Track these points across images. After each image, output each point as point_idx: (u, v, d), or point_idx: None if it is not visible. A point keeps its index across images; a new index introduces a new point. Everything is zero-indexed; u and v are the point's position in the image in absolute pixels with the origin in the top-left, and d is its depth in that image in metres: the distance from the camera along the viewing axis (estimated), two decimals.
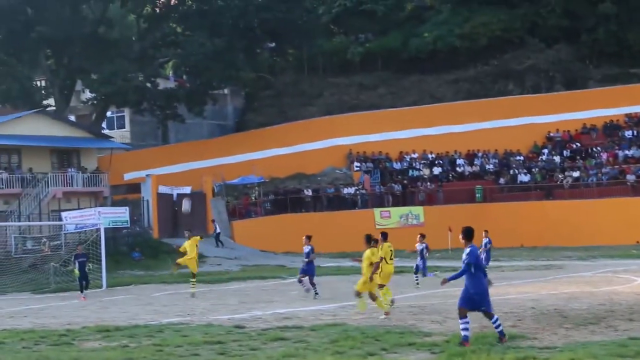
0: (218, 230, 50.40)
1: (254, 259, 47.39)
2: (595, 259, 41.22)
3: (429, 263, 32.37)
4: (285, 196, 56.22)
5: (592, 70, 68.56)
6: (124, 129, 64.92)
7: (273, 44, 69.92)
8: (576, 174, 56.88)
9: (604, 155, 58.60)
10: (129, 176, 56.69)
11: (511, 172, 59.25)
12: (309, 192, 57.01)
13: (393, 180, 59.59)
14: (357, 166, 61.35)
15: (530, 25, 70.05)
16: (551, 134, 63.31)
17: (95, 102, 58.32)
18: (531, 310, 19.75)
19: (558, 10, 68.42)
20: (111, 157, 53.08)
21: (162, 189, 50.51)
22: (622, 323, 17.06)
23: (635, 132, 60.42)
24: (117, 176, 54.21)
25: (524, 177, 58.42)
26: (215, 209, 52.90)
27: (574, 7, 68.18)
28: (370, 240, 21.01)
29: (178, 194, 50.86)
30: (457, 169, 61.19)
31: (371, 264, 20.39)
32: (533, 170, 58.84)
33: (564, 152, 60.96)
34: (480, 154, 62.25)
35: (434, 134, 63.05)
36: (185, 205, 48.66)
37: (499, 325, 14.50)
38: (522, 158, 61.44)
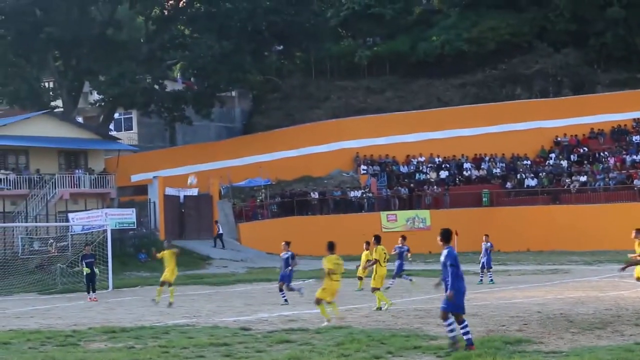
0: (220, 231, 50.41)
1: (260, 261, 47.33)
2: (602, 264, 41.10)
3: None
4: (292, 199, 56.22)
5: (600, 75, 68.39)
6: (131, 131, 65.05)
7: (281, 47, 69.88)
8: (583, 178, 56.76)
9: (612, 160, 58.46)
10: (136, 178, 56.74)
11: (518, 176, 59.17)
12: (315, 195, 57.02)
13: (400, 184, 59.56)
14: (364, 169, 61.33)
15: (538, 29, 69.93)
16: (558, 139, 63.19)
17: (103, 103, 58.42)
18: (537, 315, 19.70)
19: (566, 15, 68.20)
20: (118, 158, 53.21)
21: (169, 191, 50.56)
22: (629, 328, 17.00)
23: None
24: (124, 178, 54.28)
25: (531, 182, 58.30)
26: (222, 211, 52.91)
27: (582, 11, 67.97)
28: (379, 241, 22.53)
29: (185, 196, 50.82)
30: (464, 172, 61.11)
31: (368, 260, 23.93)
32: (540, 174, 58.71)
33: (571, 156, 60.86)
34: (487, 158, 62.17)
35: (441, 137, 63.02)
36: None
37: (467, 332, 14.32)
38: (529, 162, 61.32)
